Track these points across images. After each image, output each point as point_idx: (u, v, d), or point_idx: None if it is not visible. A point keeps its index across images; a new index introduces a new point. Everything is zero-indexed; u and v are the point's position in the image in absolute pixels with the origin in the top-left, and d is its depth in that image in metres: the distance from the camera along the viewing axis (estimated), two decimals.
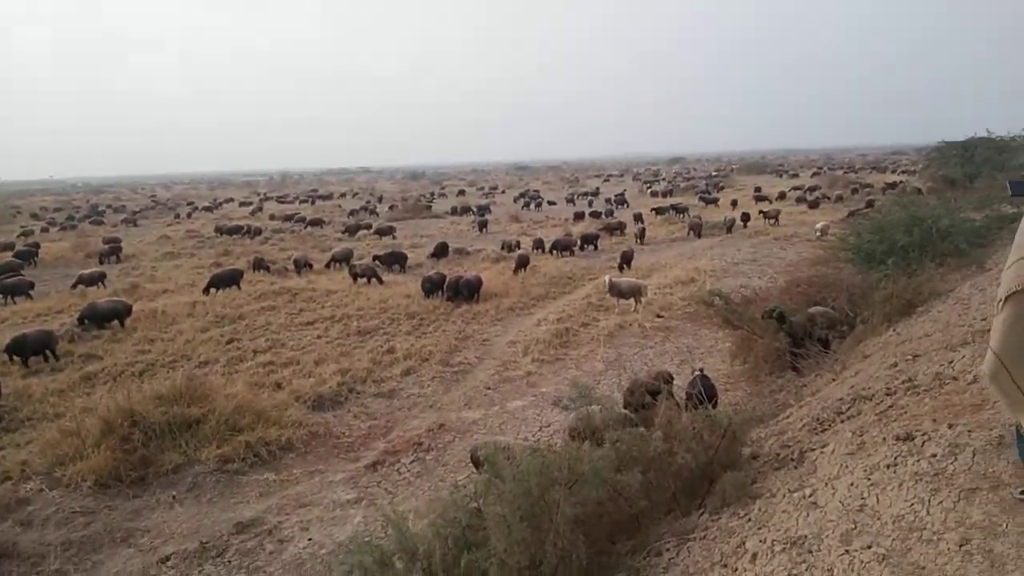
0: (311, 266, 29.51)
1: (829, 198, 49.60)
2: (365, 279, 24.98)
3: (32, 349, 16.14)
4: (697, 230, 35.40)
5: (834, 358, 11.11)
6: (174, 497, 10.14)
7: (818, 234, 30.04)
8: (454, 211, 54.97)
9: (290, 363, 15.95)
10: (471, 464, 9.72)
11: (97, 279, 27.25)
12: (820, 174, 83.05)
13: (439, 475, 10.59)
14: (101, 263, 33.41)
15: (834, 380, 9.78)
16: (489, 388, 14.26)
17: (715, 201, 52.66)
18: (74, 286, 26.61)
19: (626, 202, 56.82)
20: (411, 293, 22.40)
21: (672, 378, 11.85)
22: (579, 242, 33.02)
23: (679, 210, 46.16)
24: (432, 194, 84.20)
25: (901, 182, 54.69)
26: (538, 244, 32.55)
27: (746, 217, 37.95)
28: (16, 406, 13.71)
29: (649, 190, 71.34)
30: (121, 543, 9.02)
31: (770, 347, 12.42)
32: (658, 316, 18.94)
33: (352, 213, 56.87)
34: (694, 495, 6.83)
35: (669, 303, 20.09)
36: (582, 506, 5.70)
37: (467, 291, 21.29)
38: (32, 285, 25.91)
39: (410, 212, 54.86)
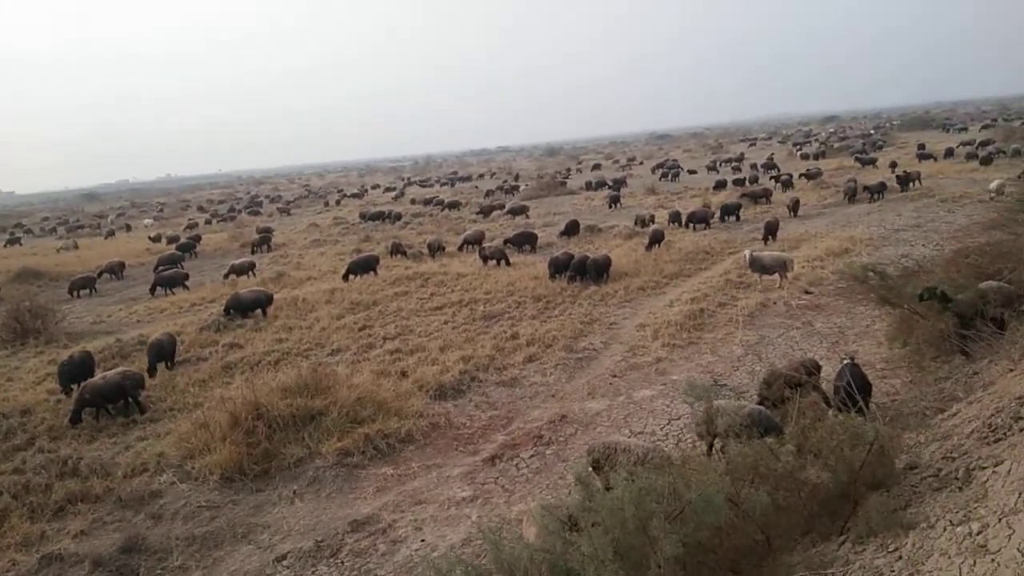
0: (444, 249, 29.76)
1: (1005, 153, 43.88)
2: (495, 261, 24.81)
3: (168, 353, 16.70)
4: (851, 194, 32.35)
5: (1012, 341, 9.51)
6: (295, 492, 10.25)
7: (992, 194, 26.51)
8: (588, 186, 53.88)
9: (416, 350, 15.94)
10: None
11: (247, 268, 28.80)
12: (993, 126, 74.12)
13: (558, 472, 10.06)
14: (253, 252, 35.47)
15: (1011, 370, 8.30)
16: (615, 376, 13.51)
17: (872, 162, 48.08)
18: (226, 276, 28.28)
19: (776, 167, 52.88)
20: (539, 275, 21.91)
21: (818, 367, 10.62)
22: (719, 213, 31.20)
23: (810, 176, 41.78)
24: (568, 170, 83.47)
25: None
26: (674, 217, 31.11)
27: (906, 178, 34.09)
28: (162, 396, 14.54)
29: (799, 152, 66.57)
30: (242, 539, 9.18)
31: (934, 328, 10.88)
32: (806, 292, 17.38)
33: (488, 194, 57.19)
34: (836, 514, 5.86)
35: (819, 278, 18.37)
36: (693, 535, 4.93)
37: (595, 271, 20.51)
38: (187, 277, 27.90)
39: (544, 190, 54.29)
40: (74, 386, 14.54)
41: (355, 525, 9.19)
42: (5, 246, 55.58)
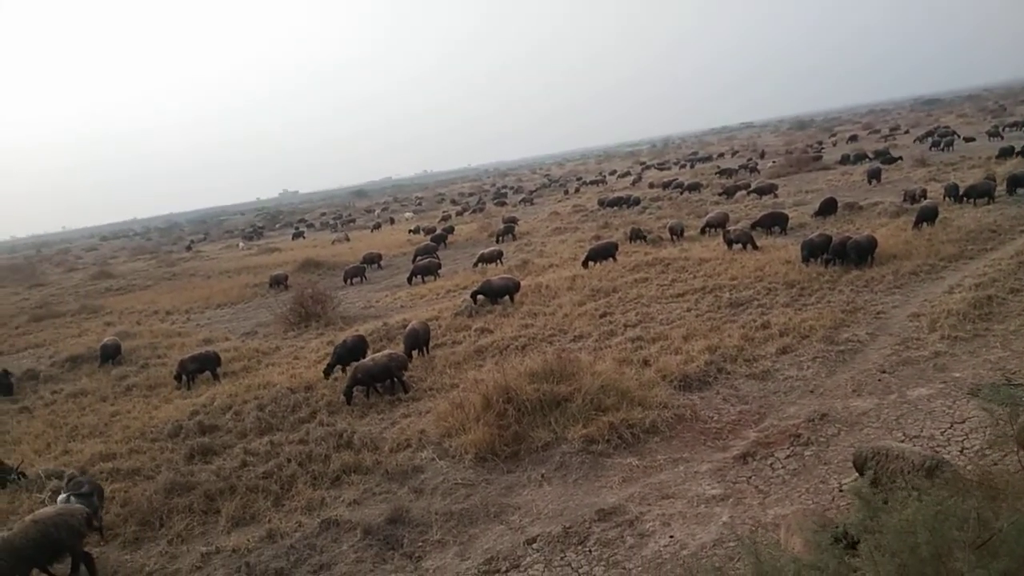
0: (683, 233, 28.99)
1: None
2: (740, 245, 23.60)
3: (424, 340, 17.52)
4: None
5: None
6: (543, 475, 10.44)
7: None
8: (845, 160, 49.44)
9: (658, 338, 15.59)
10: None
11: (496, 257, 30.27)
12: None
13: (819, 475, 9.24)
14: (498, 241, 37.20)
15: None
16: (884, 371, 12.14)
17: None
18: (476, 264, 29.95)
19: None
20: (791, 259, 20.46)
21: None
22: (1005, 185, 26.98)
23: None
24: (820, 143, 77.59)
25: None
26: (950, 191, 27.42)
27: None
28: (422, 376, 15.68)
29: None
30: (494, 518, 9.54)
31: None
32: None
33: (730, 173, 54.69)
34: None
35: None
36: (1006, 569, 4.18)
37: (856, 254, 18.67)
38: (439, 266, 30.09)
39: (794, 166, 50.74)
40: (341, 369, 16.22)
41: (602, 514, 9.12)
42: (292, 239, 63.94)
